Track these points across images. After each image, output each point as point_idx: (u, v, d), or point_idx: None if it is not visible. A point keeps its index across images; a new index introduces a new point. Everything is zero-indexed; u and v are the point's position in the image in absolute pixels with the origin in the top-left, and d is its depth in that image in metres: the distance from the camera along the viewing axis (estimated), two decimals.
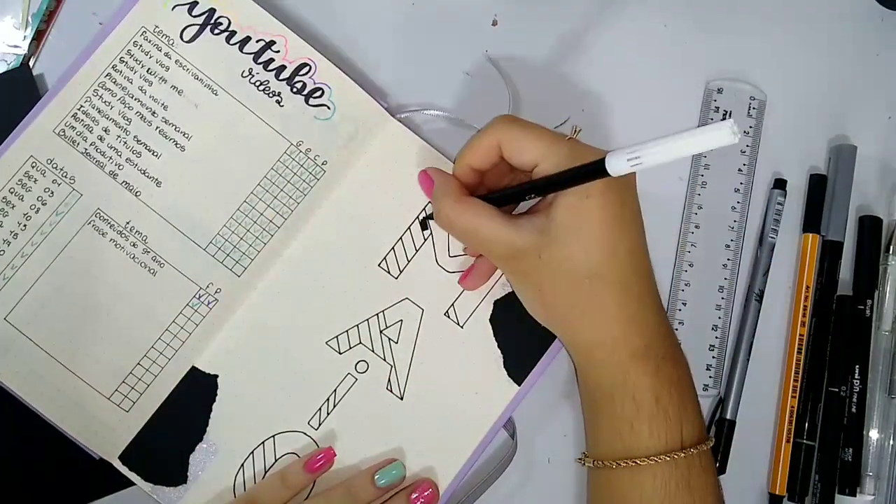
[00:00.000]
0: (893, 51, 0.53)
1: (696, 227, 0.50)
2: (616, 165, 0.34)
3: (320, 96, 0.47)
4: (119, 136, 0.45)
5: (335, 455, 0.45)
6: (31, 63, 0.47)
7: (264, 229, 0.46)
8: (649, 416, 0.40)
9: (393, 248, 0.47)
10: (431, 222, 0.46)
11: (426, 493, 0.44)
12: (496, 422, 0.46)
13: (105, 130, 0.45)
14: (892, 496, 0.49)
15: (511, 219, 0.41)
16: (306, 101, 0.46)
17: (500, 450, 0.48)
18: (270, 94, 0.46)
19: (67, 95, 0.45)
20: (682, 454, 0.40)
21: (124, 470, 0.44)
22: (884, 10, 0.53)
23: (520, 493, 0.48)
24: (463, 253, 0.47)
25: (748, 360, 0.49)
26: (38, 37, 0.47)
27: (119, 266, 0.45)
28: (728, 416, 0.49)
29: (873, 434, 0.50)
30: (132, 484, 0.44)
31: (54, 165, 0.45)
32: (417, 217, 0.47)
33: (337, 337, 0.46)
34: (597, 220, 0.39)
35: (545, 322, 0.43)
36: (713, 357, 0.49)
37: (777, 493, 0.49)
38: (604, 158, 0.35)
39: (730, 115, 0.51)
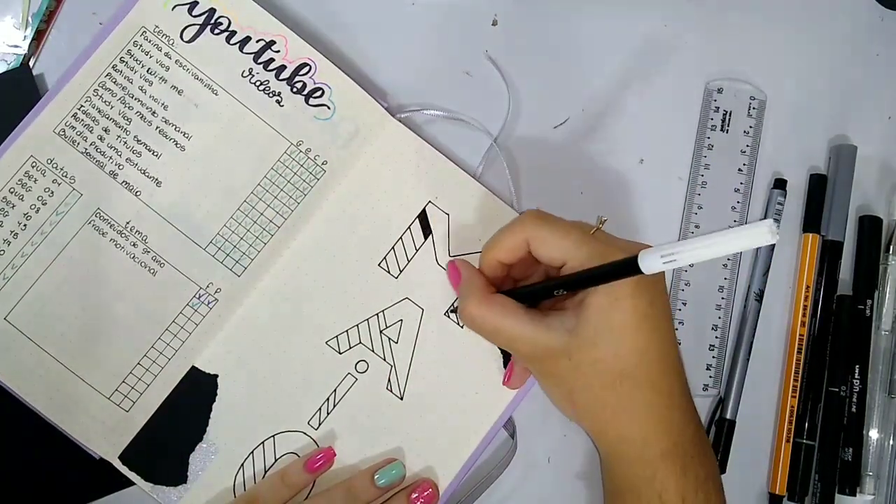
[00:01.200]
0: (893, 51, 0.53)
1: (696, 227, 0.50)
2: (650, 264, 0.34)
3: (320, 96, 0.47)
4: (119, 136, 0.45)
5: (335, 455, 0.45)
6: (31, 63, 0.47)
7: (264, 229, 0.46)
8: None
9: (393, 247, 0.47)
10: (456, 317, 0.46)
11: (426, 493, 0.44)
12: (496, 422, 0.46)
13: (105, 130, 0.45)
14: (892, 496, 0.49)
15: (539, 317, 0.41)
16: (306, 101, 0.46)
17: (500, 450, 0.48)
18: (270, 94, 0.46)
19: (67, 95, 0.45)
20: None
21: (124, 470, 0.44)
22: (884, 10, 0.53)
23: (520, 493, 0.48)
24: (464, 254, 0.47)
25: (748, 360, 0.49)
26: (38, 37, 0.47)
27: (119, 266, 0.45)
28: (728, 416, 0.49)
29: (873, 434, 0.50)
30: (132, 484, 0.44)
31: (54, 165, 0.45)
32: (416, 220, 0.46)
33: (337, 337, 0.46)
34: (628, 321, 0.39)
35: (574, 419, 0.43)
36: (713, 357, 0.49)
37: (777, 492, 0.49)
38: (636, 256, 0.34)
39: (730, 116, 0.51)
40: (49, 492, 0.45)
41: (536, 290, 0.42)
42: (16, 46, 0.47)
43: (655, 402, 0.40)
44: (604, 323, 0.39)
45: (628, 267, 0.35)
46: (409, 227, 0.47)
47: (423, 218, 0.47)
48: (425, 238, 0.47)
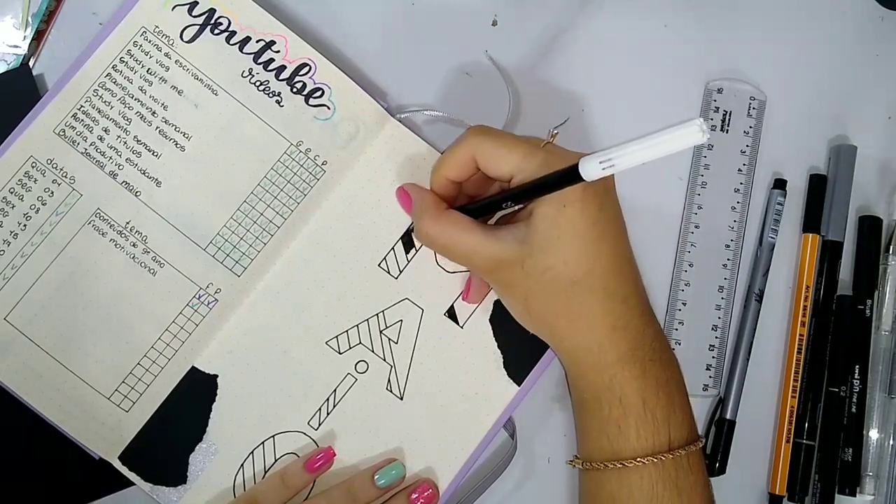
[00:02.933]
0: (893, 51, 0.53)
1: (696, 226, 0.50)
2: (589, 170, 0.34)
3: (320, 96, 0.47)
4: (119, 136, 0.45)
5: (335, 455, 0.45)
6: (31, 63, 0.47)
7: (264, 229, 0.46)
8: (636, 418, 0.40)
9: (393, 248, 0.47)
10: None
11: (426, 494, 0.44)
12: (496, 422, 0.46)
13: (105, 130, 0.45)
14: (892, 496, 0.49)
15: (491, 230, 0.41)
16: (306, 102, 0.46)
17: (500, 450, 0.48)
18: (270, 95, 0.46)
19: (67, 95, 0.45)
20: (670, 455, 0.40)
21: (124, 470, 0.44)
22: (884, 10, 0.53)
23: (520, 493, 0.48)
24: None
25: (748, 360, 0.49)
26: (38, 37, 0.47)
27: (119, 266, 0.45)
28: (728, 416, 0.49)
29: (873, 434, 0.50)
30: (132, 484, 0.44)
31: (54, 165, 0.45)
32: (409, 229, 0.47)
33: (337, 337, 0.46)
34: (576, 227, 0.39)
35: (533, 330, 0.44)
36: (713, 357, 0.49)
37: (777, 493, 0.49)
38: (577, 164, 0.35)
39: (730, 116, 0.51)
40: (49, 492, 0.45)
41: (485, 204, 0.42)
42: (16, 46, 0.47)
43: (609, 307, 0.40)
44: (552, 230, 0.39)
45: (570, 175, 0.35)
46: (408, 228, 0.47)
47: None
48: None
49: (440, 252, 0.44)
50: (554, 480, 0.48)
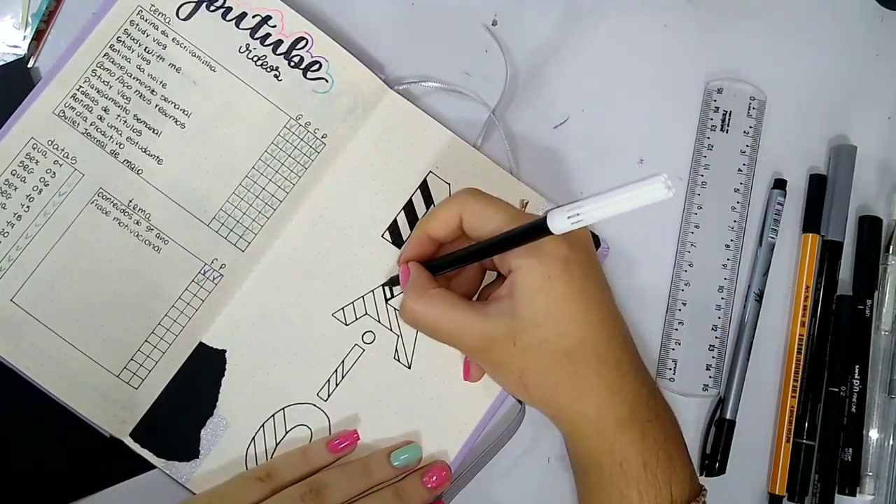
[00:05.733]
0: (893, 51, 0.53)
1: (696, 227, 0.50)
2: (557, 223, 0.34)
3: (318, 70, 0.47)
4: (119, 116, 0.45)
5: (359, 439, 0.45)
6: (30, 63, 0.47)
7: (267, 203, 0.46)
8: (638, 481, 0.40)
9: (396, 218, 0.47)
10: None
11: (440, 475, 0.44)
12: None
13: (105, 110, 0.45)
14: (892, 496, 0.49)
15: (478, 307, 0.41)
16: (304, 75, 0.47)
17: (508, 414, 0.48)
18: (268, 69, 0.46)
19: (66, 76, 0.45)
20: None
21: (136, 447, 0.44)
22: (884, 10, 0.53)
23: (520, 494, 0.47)
24: None
25: (748, 360, 0.49)
26: (38, 37, 0.47)
27: (123, 244, 0.45)
28: (728, 416, 0.48)
29: (873, 434, 0.50)
30: (142, 470, 0.44)
31: (55, 146, 0.45)
32: (417, 190, 0.47)
33: (343, 308, 0.46)
34: (565, 297, 0.39)
35: (530, 403, 0.44)
36: (713, 357, 0.49)
37: (777, 493, 0.49)
38: (545, 218, 0.35)
39: (730, 116, 0.50)
40: (59, 479, 0.45)
41: (462, 255, 0.42)
42: (15, 46, 0.47)
43: (604, 373, 0.41)
44: (541, 302, 0.39)
45: (539, 229, 0.36)
46: (411, 198, 0.47)
47: (424, 188, 0.47)
48: (427, 208, 0.47)
49: (427, 332, 0.42)
50: (554, 480, 0.47)
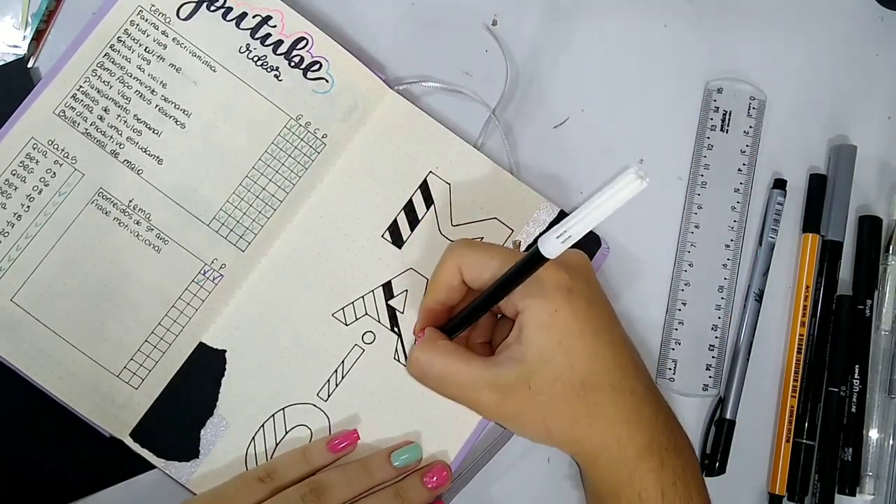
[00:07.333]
0: (893, 51, 0.53)
1: (696, 227, 0.50)
2: (549, 248, 0.35)
3: (318, 70, 0.47)
4: (119, 116, 0.45)
5: (359, 439, 0.45)
6: (30, 63, 0.47)
7: (267, 204, 0.46)
8: None
9: (396, 218, 0.47)
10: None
11: (441, 475, 0.44)
12: None
13: (105, 110, 0.45)
14: (892, 496, 0.49)
15: (488, 359, 0.41)
16: (304, 75, 0.47)
17: None
18: (269, 69, 0.46)
19: (66, 76, 0.45)
20: None
21: (136, 447, 0.44)
22: (884, 10, 0.53)
23: (519, 494, 0.47)
24: (467, 222, 0.47)
25: (748, 360, 0.49)
26: (38, 37, 0.47)
27: (123, 244, 0.45)
28: (728, 416, 0.48)
29: (873, 434, 0.50)
30: (140, 471, 0.44)
31: (55, 146, 0.45)
32: (417, 190, 0.47)
33: (343, 309, 0.46)
34: (572, 329, 0.40)
35: (556, 445, 0.43)
36: (713, 357, 0.49)
37: (777, 492, 0.48)
38: (537, 247, 0.35)
39: (730, 116, 0.50)
40: (59, 479, 0.45)
41: (469, 311, 0.42)
42: (15, 46, 0.47)
43: (621, 402, 0.41)
44: (549, 339, 0.39)
45: (535, 259, 0.36)
46: (411, 198, 0.47)
47: (424, 188, 0.47)
48: (427, 208, 0.47)
49: (434, 385, 0.43)
50: (554, 480, 0.47)
